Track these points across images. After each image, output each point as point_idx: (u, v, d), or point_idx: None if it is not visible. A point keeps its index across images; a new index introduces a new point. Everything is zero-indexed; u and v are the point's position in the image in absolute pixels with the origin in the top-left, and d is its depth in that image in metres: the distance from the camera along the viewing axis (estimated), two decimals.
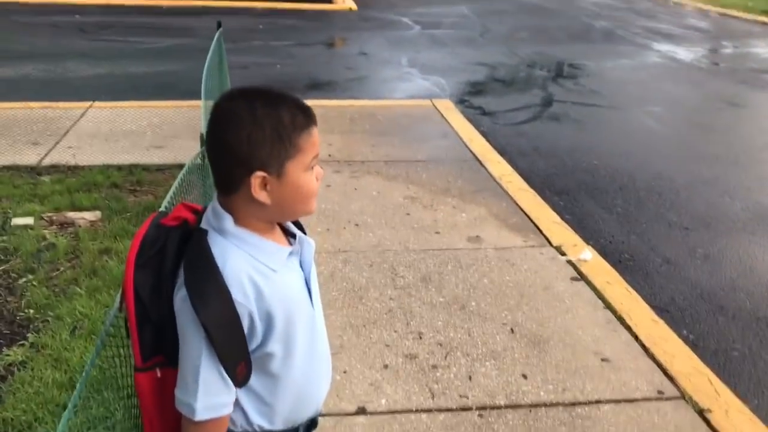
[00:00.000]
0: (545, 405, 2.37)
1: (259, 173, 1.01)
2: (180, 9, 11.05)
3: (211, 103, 1.39)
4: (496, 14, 11.84)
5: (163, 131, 5.13)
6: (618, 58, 8.75)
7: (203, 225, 1.07)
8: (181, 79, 6.12)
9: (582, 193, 4.50)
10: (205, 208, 1.11)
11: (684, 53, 8.99)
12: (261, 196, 1.02)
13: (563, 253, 3.52)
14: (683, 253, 3.74)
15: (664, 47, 9.32)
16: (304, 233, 1.18)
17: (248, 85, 1.06)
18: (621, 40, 9.93)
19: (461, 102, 6.44)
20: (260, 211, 1.05)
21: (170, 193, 1.92)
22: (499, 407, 2.36)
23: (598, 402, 2.41)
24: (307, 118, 1.06)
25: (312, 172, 1.08)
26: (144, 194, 4.06)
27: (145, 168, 4.41)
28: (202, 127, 2.99)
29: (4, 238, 3.41)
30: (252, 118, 1.00)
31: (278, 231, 1.13)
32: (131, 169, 4.39)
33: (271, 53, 8.25)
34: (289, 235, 1.16)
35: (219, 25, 4.38)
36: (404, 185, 4.36)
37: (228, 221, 1.05)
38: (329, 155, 4.82)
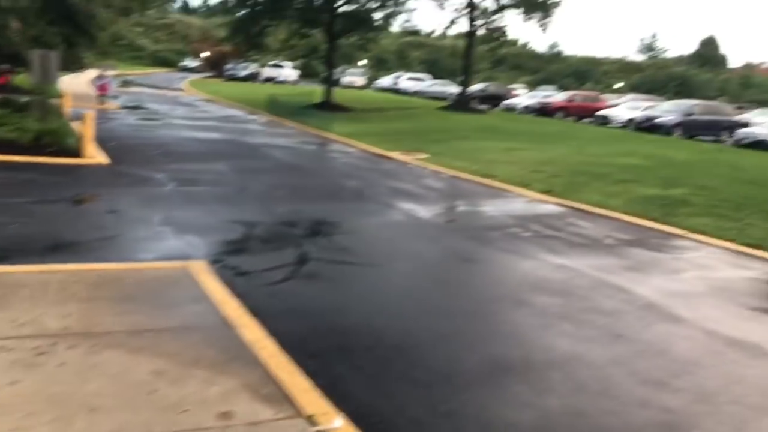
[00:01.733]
0: None
1: None
2: None
3: None
4: (253, 172, 12.21)
5: None
6: (367, 216, 9.40)
7: None
8: None
9: (335, 355, 4.59)
10: None
11: (424, 211, 9.93)
12: None
13: (315, 423, 3.49)
14: (427, 412, 3.92)
15: (407, 206, 10.22)
16: None
17: None
18: (369, 199, 10.73)
19: (216, 262, 6.38)
20: None
21: None
22: None
23: None
24: None
25: None
26: None
27: None
28: None
29: None
30: None
31: None
32: None
33: (5, 211, 7.58)
34: None
35: None
36: (150, 358, 4.10)
37: None
38: (65, 328, 4.41)
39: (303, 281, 6.21)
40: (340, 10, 29.68)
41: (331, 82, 31.08)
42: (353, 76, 55.51)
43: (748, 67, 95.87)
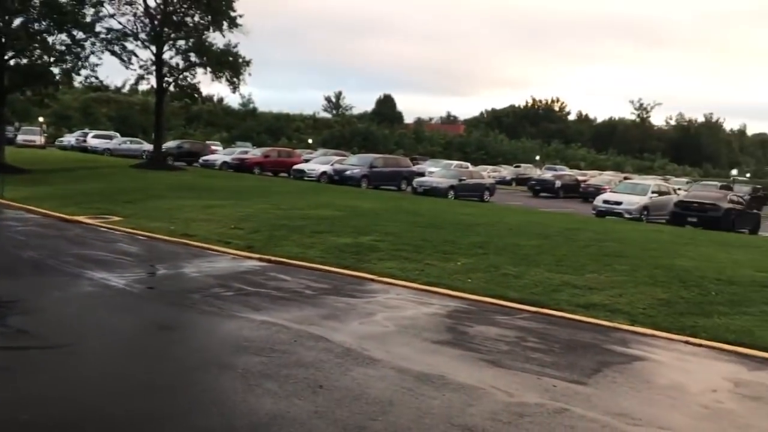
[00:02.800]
0: None
1: None
2: None
3: None
4: None
5: None
6: (52, 290, 8.49)
7: None
8: None
9: None
10: None
11: (118, 279, 9.28)
12: None
13: None
14: None
15: (99, 275, 9.47)
16: None
17: None
18: (54, 270, 9.73)
19: None
20: None
21: None
22: None
23: None
24: None
25: None
26: None
27: None
28: None
29: None
30: None
31: None
32: None
33: None
34: None
35: None
36: None
37: None
38: None
39: None
40: (11, 63, 26.91)
41: (2, 141, 27.80)
42: (31, 135, 50.38)
43: (420, 123, 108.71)
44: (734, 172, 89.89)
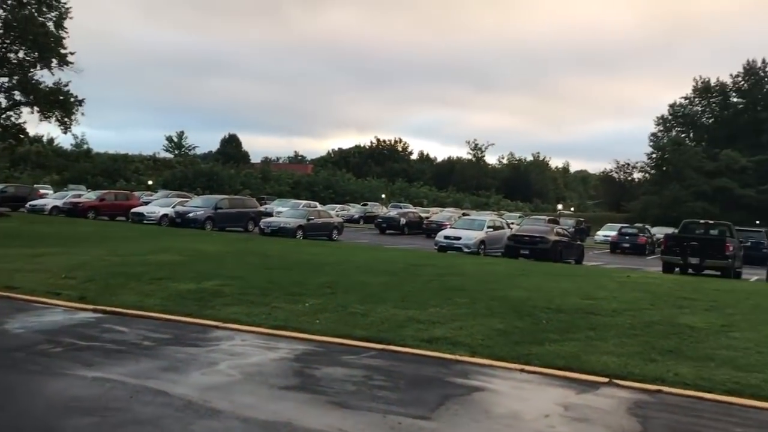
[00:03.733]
0: None
1: None
2: None
3: None
4: None
5: None
6: None
7: None
8: None
9: None
10: None
11: None
12: None
13: None
14: None
15: None
16: None
17: None
18: None
19: None
20: None
21: None
22: None
23: None
24: None
25: None
26: None
27: None
28: None
29: None
30: None
31: None
32: None
33: None
34: None
35: None
36: None
37: None
38: None
39: None
40: None
41: None
42: None
43: (267, 163, 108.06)
44: (560, 206, 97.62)
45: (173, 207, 34.75)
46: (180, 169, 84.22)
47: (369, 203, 68.79)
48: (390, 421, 5.93)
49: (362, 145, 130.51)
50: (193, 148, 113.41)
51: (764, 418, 6.63)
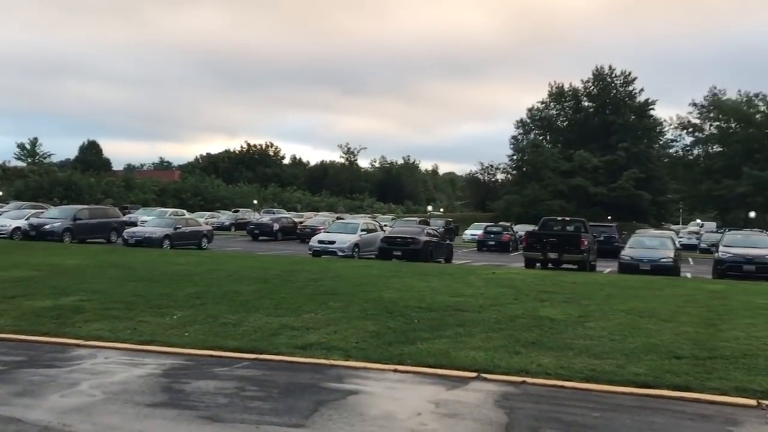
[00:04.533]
0: None
1: None
2: None
3: None
4: None
5: None
6: None
7: None
8: None
9: None
10: None
11: None
12: None
13: None
14: None
15: None
16: None
17: None
18: None
19: None
20: None
21: None
22: None
23: None
24: None
25: None
26: None
27: None
28: None
29: None
30: None
31: None
32: None
33: None
34: None
35: None
36: None
37: None
38: None
39: None
40: None
41: None
42: None
43: (130, 170, 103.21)
44: (430, 207, 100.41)
45: (27, 219, 32.40)
46: (34, 178, 78.49)
47: (240, 209, 67.50)
48: None
49: (232, 150, 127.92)
50: (49, 155, 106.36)
51: (618, 402, 7.13)
